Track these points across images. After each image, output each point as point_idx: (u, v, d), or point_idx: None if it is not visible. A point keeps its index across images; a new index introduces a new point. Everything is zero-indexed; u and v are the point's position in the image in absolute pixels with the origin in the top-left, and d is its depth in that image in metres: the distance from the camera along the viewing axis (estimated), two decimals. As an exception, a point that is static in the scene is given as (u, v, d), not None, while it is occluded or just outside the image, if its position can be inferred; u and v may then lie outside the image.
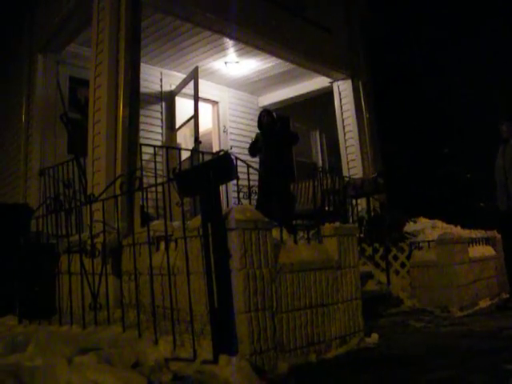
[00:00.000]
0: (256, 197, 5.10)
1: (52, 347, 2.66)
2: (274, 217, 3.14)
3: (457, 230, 6.11)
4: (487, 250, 6.00)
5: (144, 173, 5.16)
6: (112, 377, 2.35)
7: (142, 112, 5.72)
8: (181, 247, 3.09)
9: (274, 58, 7.57)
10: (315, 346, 3.10)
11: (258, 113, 9.33)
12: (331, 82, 8.40)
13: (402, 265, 5.69)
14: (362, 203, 7.03)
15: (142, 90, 5.61)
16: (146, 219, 4.03)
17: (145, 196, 4.19)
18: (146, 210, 4.62)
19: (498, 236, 6.04)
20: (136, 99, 4.74)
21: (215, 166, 2.83)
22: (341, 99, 8.34)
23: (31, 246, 4.15)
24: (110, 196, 3.81)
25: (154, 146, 5.88)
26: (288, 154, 6.69)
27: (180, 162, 6.08)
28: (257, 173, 5.14)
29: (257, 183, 4.84)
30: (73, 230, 4.15)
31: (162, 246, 3.42)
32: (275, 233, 3.12)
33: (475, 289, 5.36)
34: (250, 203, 4.90)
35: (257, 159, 8.56)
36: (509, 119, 5.15)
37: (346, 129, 8.25)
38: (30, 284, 3.99)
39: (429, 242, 5.58)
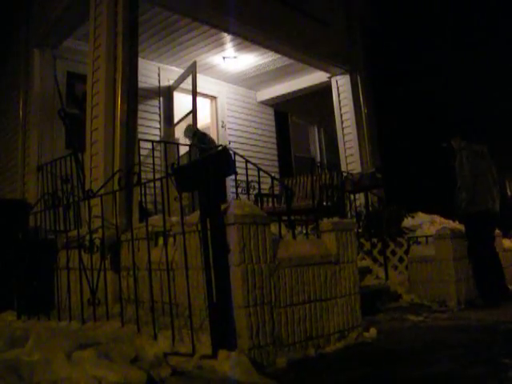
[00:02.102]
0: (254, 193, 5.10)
1: (51, 342, 2.66)
2: None
3: (455, 225, 6.11)
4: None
5: (142, 168, 5.15)
6: (111, 372, 2.35)
7: (139, 107, 5.71)
8: (179, 242, 3.08)
9: (272, 53, 7.55)
10: (314, 341, 3.11)
11: (256, 108, 9.37)
12: (329, 77, 8.38)
13: (400, 260, 5.71)
14: (360, 198, 7.04)
15: (140, 84, 5.59)
16: (145, 214, 4.03)
17: (143, 191, 4.19)
18: (144, 205, 4.61)
19: (497, 231, 6.02)
20: (134, 94, 4.72)
21: (213, 162, 2.82)
22: (339, 94, 8.34)
23: (29, 242, 4.15)
24: (108, 191, 3.82)
25: (153, 141, 5.88)
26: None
27: (178, 157, 6.06)
28: (255, 168, 5.17)
29: (255, 178, 4.87)
30: (71, 226, 4.15)
31: (161, 241, 3.42)
32: (274, 228, 3.12)
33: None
34: (248, 198, 4.91)
35: (255, 155, 8.57)
36: (451, 136, 5.37)
37: (345, 124, 8.25)
38: (29, 279, 3.98)
39: (427, 236, 5.60)
